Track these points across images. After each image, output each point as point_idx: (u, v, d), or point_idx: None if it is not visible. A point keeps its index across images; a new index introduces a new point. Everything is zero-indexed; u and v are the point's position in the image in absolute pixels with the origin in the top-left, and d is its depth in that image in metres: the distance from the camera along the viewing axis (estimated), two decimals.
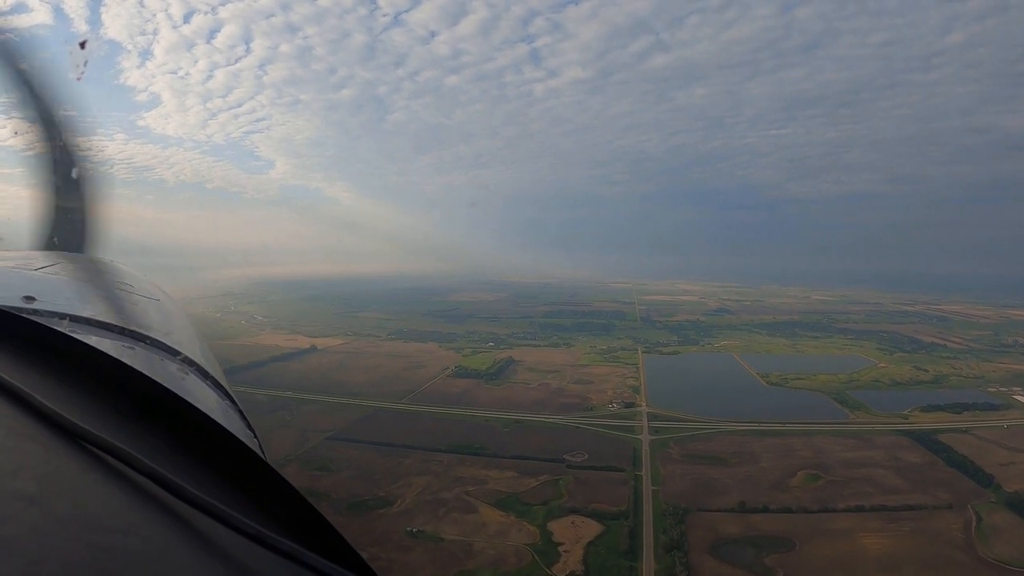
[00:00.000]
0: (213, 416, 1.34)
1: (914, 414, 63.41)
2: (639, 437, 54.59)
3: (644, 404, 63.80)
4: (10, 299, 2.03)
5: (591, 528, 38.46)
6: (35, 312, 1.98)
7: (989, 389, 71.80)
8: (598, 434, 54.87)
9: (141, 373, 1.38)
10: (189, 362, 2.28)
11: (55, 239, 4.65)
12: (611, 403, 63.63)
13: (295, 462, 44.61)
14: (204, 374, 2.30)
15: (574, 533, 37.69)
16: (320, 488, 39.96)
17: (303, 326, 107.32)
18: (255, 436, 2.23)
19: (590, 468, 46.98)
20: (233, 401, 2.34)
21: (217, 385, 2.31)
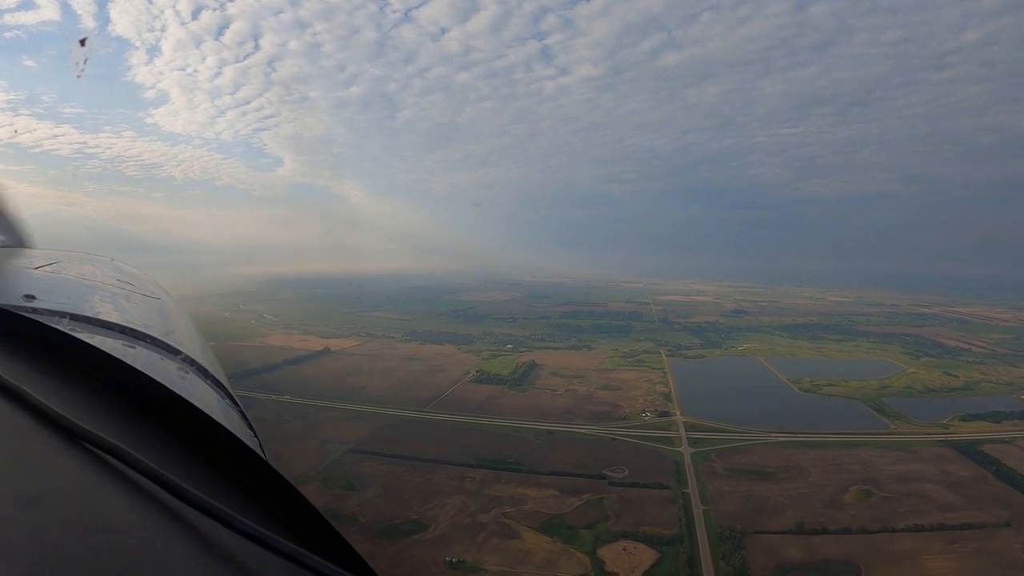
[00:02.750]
0: (213, 416, 1.34)
1: (954, 423, 60.94)
2: (679, 450, 51.34)
3: (678, 413, 60.50)
4: (10, 298, 2.03)
5: (645, 555, 35.19)
6: (35, 311, 1.95)
7: (1023, 396, 68.98)
8: (636, 446, 51.53)
9: (141, 372, 1.38)
10: (190, 361, 2.25)
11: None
12: (644, 412, 60.33)
13: (317, 478, 41.20)
14: (204, 373, 2.26)
15: (628, 561, 34.42)
16: (346, 510, 36.57)
17: (315, 326, 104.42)
18: (255, 436, 2.19)
19: (634, 485, 43.67)
20: (234, 400, 2.30)
21: (218, 384, 2.28)
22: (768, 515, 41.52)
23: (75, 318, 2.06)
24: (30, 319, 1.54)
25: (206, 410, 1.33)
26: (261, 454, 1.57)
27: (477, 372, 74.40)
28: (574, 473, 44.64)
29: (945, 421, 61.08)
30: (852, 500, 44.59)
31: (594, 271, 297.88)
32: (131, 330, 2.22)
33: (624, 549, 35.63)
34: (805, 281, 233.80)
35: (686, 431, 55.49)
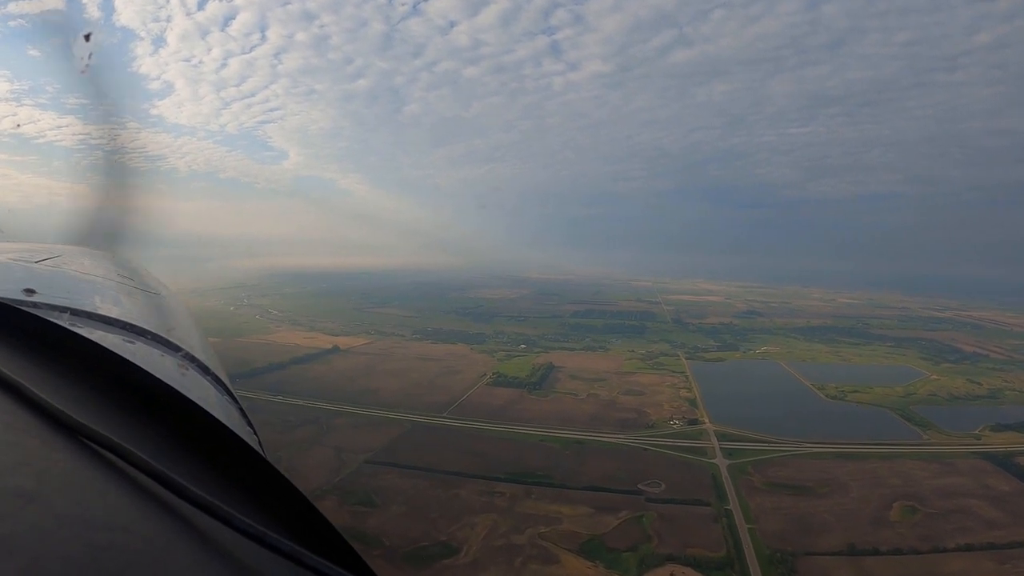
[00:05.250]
0: (213, 413, 1.35)
1: (985, 434, 58.79)
2: (714, 461, 48.60)
3: (707, 421, 57.80)
4: (10, 292, 2.02)
5: None
6: (35, 305, 1.95)
7: None
8: (669, 457, 48.70)
9: (142, 368, 1.39)
10: (190, 358, 2.26)
11: (97, 233, 4.52)
12: (672, 419, 57.53)
13: (334, 493, 38.11)
14: (205, 370, 2.27)
15: None
16: (368, 530, 33.38)
17: (321, 322, 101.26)
18: (255, 433, 2.19)
19: (672, 501, 40.86)
20: (234, 398, 2.30)
21: (218, 381, 2.27)
22: (815, 534, 39.20)
23: (75, 313, 2.03)
24: (30, 314, 1.52)
25: (206, 407, 1.32)
26: (261, 452, 1.50)
27: (494, 374, 71.22)
28: (608, 488, 41.64)
29: (976, 431, 59.02)
30: (897, 517, 42.43)
31: (600, 269, 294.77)
32: (131, 326, 2.18)
33: (672, 574, 32.91)
34: (812, 281, 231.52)
35: (718, 441, 52.86)
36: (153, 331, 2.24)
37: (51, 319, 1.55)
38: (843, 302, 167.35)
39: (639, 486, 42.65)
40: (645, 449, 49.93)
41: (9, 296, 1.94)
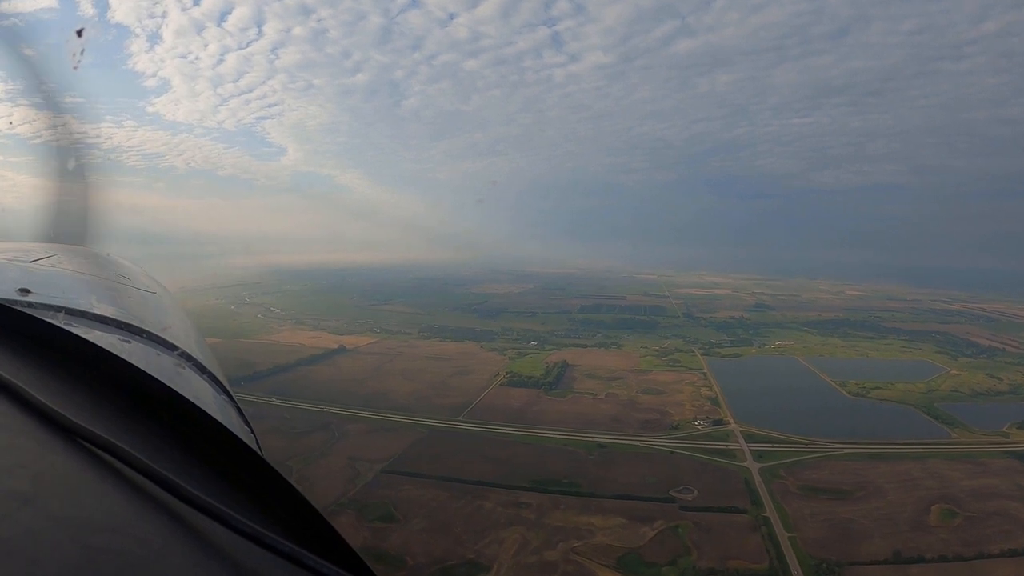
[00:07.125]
0: (210, 412, 1.34)
1: (1012, 431, 56.97)
2: (744, 464, 46.49)
3: (732, 421, 55.61)
4: (5, 292, 2.01)
5: None
6: (30, 305, 1.95)
7: None
8: (698, 461, 46.50)
9: (137, 368, 1.38)
10: (186, 356, 2.24)
11: (55, 229, 4.45)
12: (695, 420, 55.34)
13: (351, 507, 35.75)
14: (201, 369, 2.25)
15: None
16: (391, 548, 31.07)
17: (326, 321, 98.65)
18: (252, 432, 2.17)
19: (707, 509, 38.70)
20: (230, 396, 2.28)
21: (214, 380, 2.26)
22: (857, 542, 37.38)
23: (70, 312, 2.02)
24: (25, 313, 1.52)
25: (203, 406, 1.32)
26: (258, 452, 1.49)
27: (507, 374, 68.74)
28: (639, 496, 39.39)
29: (1004, 429, 57.33)
30: (937, 521, 40.75)
31: (603, 262, 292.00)
32: (127, 325, 2.17)
33: None
34: (817, 273, 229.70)
35: (746, 442, 50.76)
36: (149, 330, 2.21)
37: (46, 319, 1.52)
38: (852, 294, 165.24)
39: (671, 493, 40.51)
40: (672, 452, 47.72)
41: (4, 296, 1.90)
